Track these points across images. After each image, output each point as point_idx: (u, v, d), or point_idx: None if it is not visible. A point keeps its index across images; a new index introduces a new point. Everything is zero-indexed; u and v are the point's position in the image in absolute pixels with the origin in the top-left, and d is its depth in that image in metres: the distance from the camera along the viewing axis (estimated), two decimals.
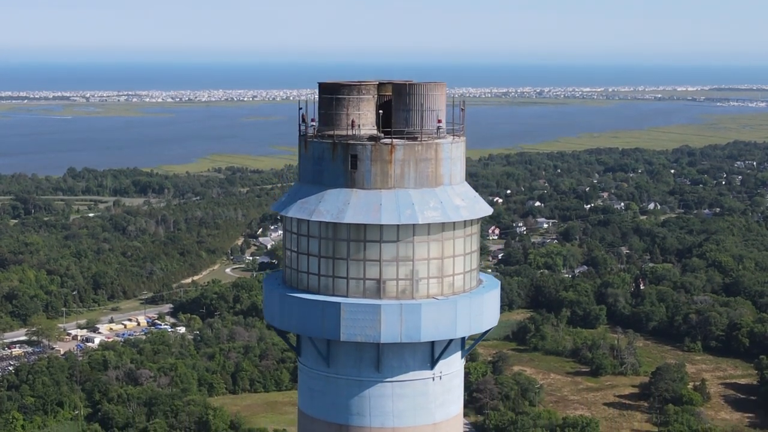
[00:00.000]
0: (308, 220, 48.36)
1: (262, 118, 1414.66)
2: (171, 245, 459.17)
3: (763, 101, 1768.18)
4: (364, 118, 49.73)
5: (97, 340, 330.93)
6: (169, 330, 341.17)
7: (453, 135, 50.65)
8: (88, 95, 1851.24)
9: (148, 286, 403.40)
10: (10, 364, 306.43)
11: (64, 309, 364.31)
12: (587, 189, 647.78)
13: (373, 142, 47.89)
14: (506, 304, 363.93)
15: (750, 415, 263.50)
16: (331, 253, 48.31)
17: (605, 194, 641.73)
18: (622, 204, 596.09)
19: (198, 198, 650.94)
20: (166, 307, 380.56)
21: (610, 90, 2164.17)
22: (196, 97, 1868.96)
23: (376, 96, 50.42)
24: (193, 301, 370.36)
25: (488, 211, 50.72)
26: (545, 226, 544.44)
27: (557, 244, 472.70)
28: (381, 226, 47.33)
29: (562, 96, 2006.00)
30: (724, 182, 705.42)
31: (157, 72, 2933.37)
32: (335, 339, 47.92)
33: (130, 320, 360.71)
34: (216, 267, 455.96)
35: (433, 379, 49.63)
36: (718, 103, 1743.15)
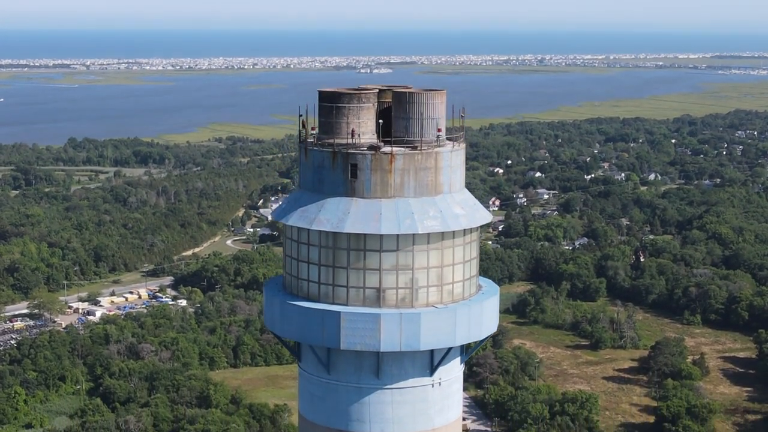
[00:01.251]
0: (308, 229, 48.64)
1: (263, 86, 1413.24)
2: (172, 217, 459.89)
3: (765, 69, 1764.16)
4: (364, 126, 49.79)
5: (98, 314, 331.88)
6: (170, 303, 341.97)
7: (453, 141, 50.83)
8: (88, 63, 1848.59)
9: (149, 258, 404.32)
10: (12, 338, 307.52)
11: (65, 282, 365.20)
12: (588, 159, 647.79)
13: (373, 152, 48.03)
14: (506, 277, 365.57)
15: (748, 389, 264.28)
16: (331, 262, 48.57)
17: (606, 165, 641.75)
18: (623, 175, 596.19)
19: (199, 168, 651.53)
20: (167, 280, 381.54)
21: (612, 57, 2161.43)
22: (196, 65, 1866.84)
23: (376, 104, 50.51)
24: (194, 273, 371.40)
25: (488, 218, 50.96)
26: (545, 197, 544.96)
27: (557, 215, 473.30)
28: (381, 235, 47.59)
29: (563, 64, 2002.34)
30: (724, 152, 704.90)
31: (158, 39, 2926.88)
32: (335, 347, 48.30)
33: (131, 293, 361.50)
34: (217, 239, 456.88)
35: (433, 386, 50.03)
36: (719, 71, 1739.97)
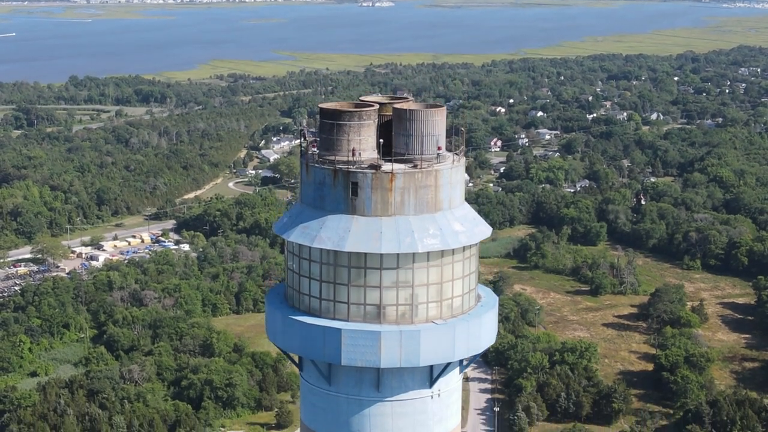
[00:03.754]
0: (310, 246, 49.28)
1: (264, 20, 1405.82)
2: (174, 158, 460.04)
3: None
4: (365, 143, 50.05)
5: (101, 258, 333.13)
6: (173, 248, 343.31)
7: (453, 153, 51.28)
8: None
9: (152, 201, 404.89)
10: (16, 284, 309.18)
11: (68, 226, 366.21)
12: (590, 98, 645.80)
13: (373, 171, 48.39)
14: (507, 221, 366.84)
15: (746, 336, 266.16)
16: (332, 278, 49.11)
17: (608, 104, 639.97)
18: (625, 114, 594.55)
19: (200, 107, 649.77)
20: (170, 224, 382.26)
21: None
22: None
23: (376, 120, 50.83)
24: (197, 218, 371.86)
25: (487, 233, 51.36)
26: (547, 137, 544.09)
27: (559, 157, 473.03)
28: (381, 254, 48.20)
29: None
30: (727, 90, 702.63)
31: None
32: (336, 363, 49.16)
33: (134, 237, 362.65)
34: (219, 181, 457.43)
35: (432, 397, 50.84)
36: (724, 5, 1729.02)
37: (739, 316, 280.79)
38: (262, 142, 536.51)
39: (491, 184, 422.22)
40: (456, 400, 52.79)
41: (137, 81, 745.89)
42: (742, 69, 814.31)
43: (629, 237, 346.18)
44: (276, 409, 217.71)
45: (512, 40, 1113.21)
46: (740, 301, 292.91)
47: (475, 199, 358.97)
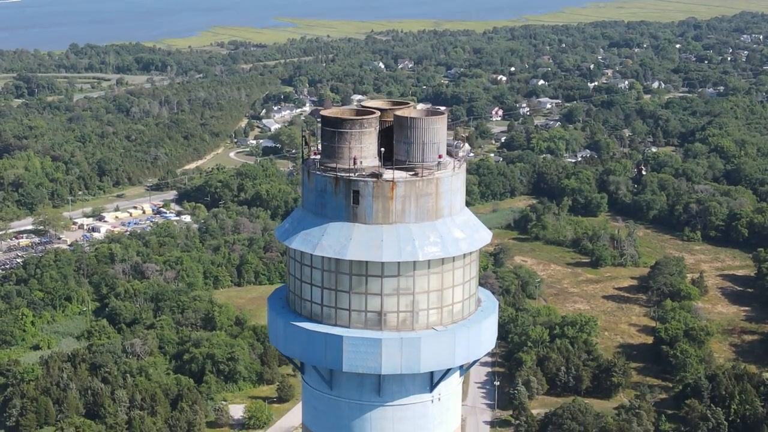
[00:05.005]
0: (311, 254, 49.67)
1: None
2: (174, 128, 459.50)
3: None
4: (366, 151, 50.28)
5: (103, 230, 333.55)
6: (174, 219, 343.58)
7: (454, 158, 51.54)
8: None
9: (153, 172, 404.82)
10: (18, 255, 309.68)
11: (69, 198, 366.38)
12: (591, 66, 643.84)
13: (374, 179, 48.66)
14: (508, 191, 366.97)
15: (746, 308, 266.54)
16: (334, 285, 49.52)
17: (609, 72, 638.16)
18: (626, 82, 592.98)
19: (201, 76, 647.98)
20: (171, 194, 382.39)
21: None
22: None
23: (377, 127, 51.01)
24: (198, 188, 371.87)
25: (487, 239, 51.55)
26: (548, 106, 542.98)
27: (560, 127, 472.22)
28: (382, 262, 48.61)
29: None
30: (729, 58, 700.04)
31: None
32: (338, 369, 49.70)
33: (135, 208, 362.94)
34: (220, 150, 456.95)
35: (432, 401, 51.40)
36: None
37: (738, 289, 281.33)
38: (263, 111, 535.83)
39: (492, 154, 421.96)
40: (456, 403, 53.37)
41: (138, 49, 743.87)
42: (745, 36, 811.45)
43: (630, 208, 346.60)
44: (277, 383, 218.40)
45: (513, 6, 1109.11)
46: (740, 273, 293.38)
47: (476, 169, 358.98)
